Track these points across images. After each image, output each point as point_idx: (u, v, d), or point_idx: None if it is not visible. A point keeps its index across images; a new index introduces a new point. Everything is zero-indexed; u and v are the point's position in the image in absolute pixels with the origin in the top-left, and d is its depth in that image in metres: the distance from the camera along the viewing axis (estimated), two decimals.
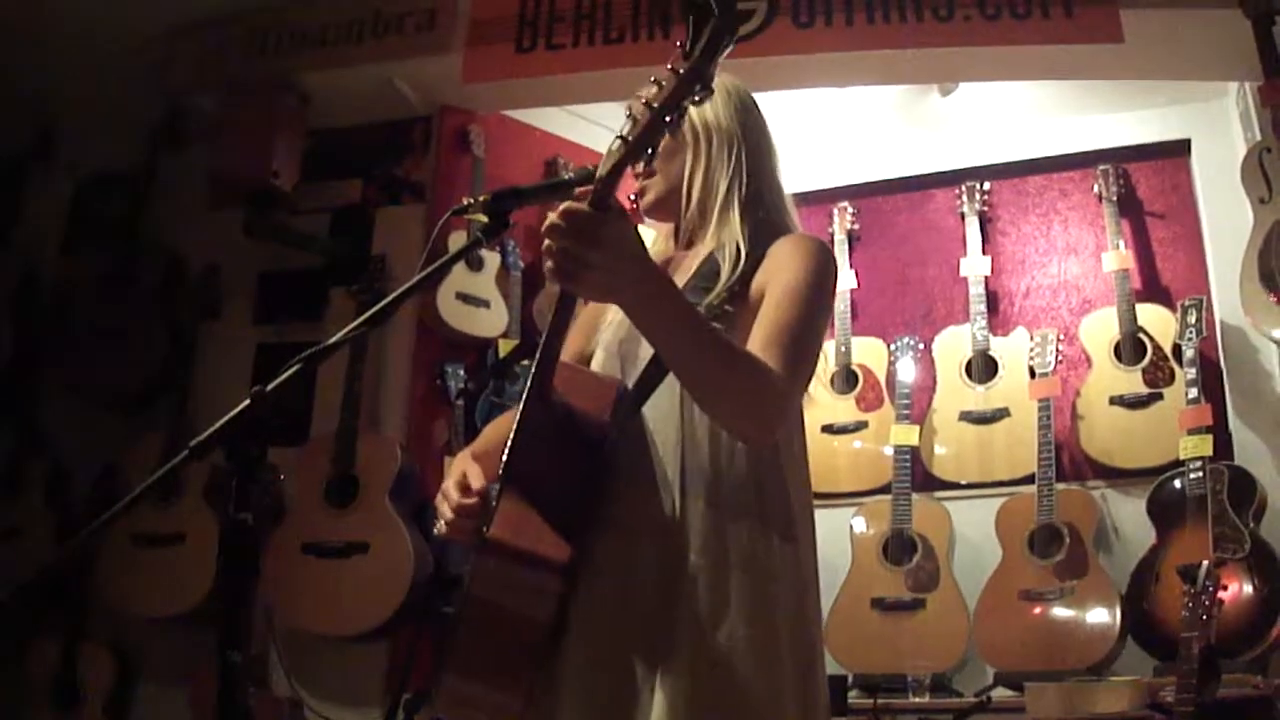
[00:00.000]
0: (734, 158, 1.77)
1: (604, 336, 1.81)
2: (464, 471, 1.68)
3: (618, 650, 1.56)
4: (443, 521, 1.67)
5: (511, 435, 1.57)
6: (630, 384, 1.68)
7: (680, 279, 1.72)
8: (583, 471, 1.59)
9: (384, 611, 3.43)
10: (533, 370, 1.54)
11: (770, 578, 1.62)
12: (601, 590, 1.57)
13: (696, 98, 1.36)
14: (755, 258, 1.70)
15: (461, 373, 3.85)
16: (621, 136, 1.37)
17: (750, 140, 1.80)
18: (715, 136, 1.78)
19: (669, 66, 1.35)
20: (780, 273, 1.66)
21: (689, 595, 1.57)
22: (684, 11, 1.33)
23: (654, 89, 1.37)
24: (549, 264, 1.37)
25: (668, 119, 1.35)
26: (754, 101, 1.87)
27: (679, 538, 1.60)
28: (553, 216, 1.36)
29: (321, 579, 3.51)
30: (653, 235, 1.91)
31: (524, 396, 1.55)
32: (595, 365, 1.80)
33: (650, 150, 1.39)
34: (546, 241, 1.36)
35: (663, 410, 1.66)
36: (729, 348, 1.51)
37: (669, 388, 1.65)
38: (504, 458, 1.58)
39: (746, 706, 1.55)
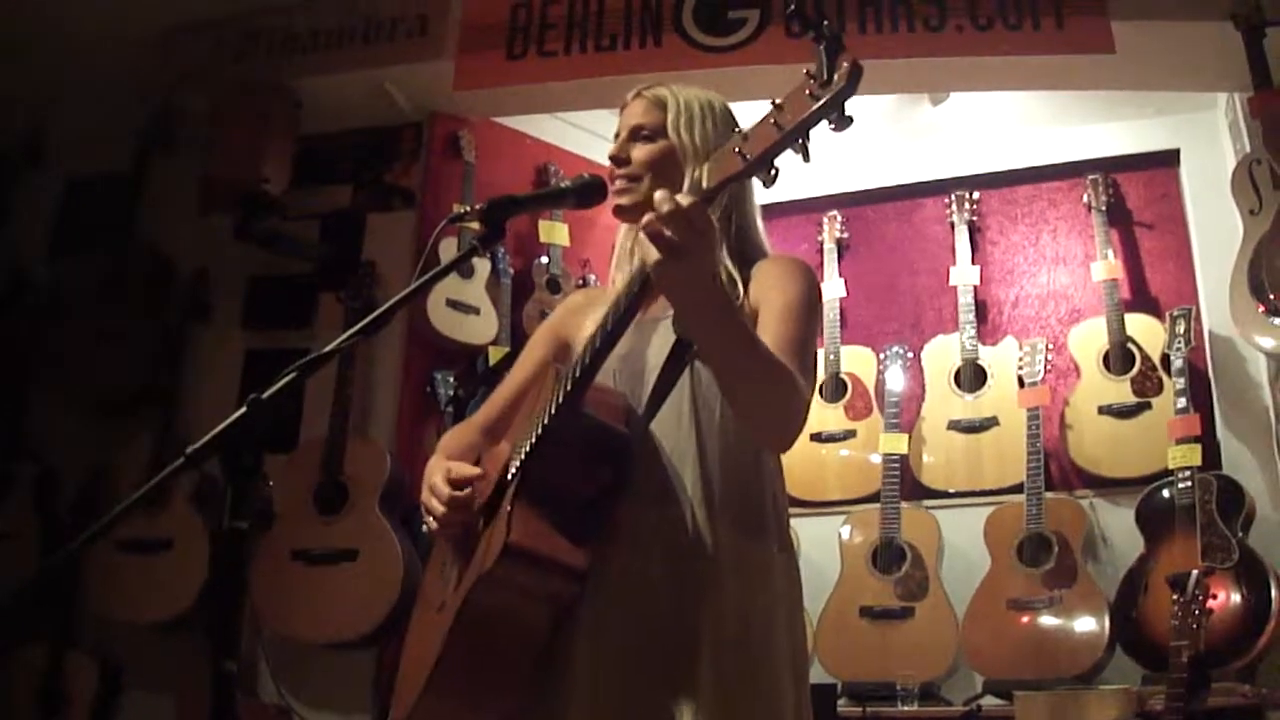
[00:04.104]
0: (728, 198, 1.75)
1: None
2: (449, 467, 1.68)
3: (632, 663, 1.57)
4: (433, 518, 1.67)
5: (533, 441, 1.57)
6: (633, 399, 1.68)
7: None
8: (601, 483, 1.60)
9: (373, 619, 3.42)
10: (573, 379, 1.55)
11: (774, 586, 1.67)
12: (616, 602, 1.59)
13: (832, 125, 1.34)
14: (741, 280, 1.74)
15: (451, 380, 3.84)
16: (739, 153, 1.35)
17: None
18: None
19: (806, 92, 1.32)
20: (773, 291, 1.70)
21: (706, 606, 1.59)
22: (814, 38, 1.32)
23: (779, 111, 1.33)
24: (657, 239, 1.35)
25: (797, 140, 1.34)
26: None
27: (693, 550, 1.62)
28: (673, 204, 1.34)
29: (310, 586, 3.50)
30: (623, 230, 1.91)
31: (557, 404, 1.55)
32: None
33: (769, 169, 1.38)
34: (648, 217, 1.35)
35: (672, 424, 1.68)
36: (773, 358, 1.53)
37: (676, 402, 1.67)
38: (517, 465, 1.58)
39: (769, 713, 1.59)
